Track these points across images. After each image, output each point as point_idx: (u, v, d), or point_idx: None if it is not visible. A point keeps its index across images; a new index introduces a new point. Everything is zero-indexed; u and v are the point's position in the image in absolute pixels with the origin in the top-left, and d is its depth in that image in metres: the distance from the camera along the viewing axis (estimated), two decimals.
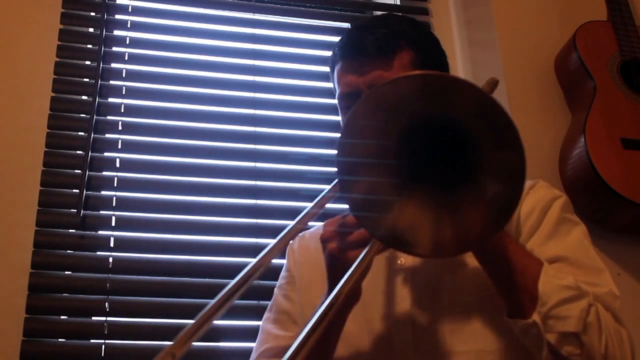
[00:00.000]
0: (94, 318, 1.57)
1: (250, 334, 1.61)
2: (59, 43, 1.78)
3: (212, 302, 0.67)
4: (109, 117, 1.77)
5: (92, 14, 1.87)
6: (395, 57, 1.06)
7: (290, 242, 1.24)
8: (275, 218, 1.75)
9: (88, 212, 1.64)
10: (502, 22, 2.00)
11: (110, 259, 1.61)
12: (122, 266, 1.61)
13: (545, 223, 1.02)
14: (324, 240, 0.92)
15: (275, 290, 1.21)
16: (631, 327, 0.96)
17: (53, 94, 1.72)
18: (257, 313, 1.62)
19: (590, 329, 0.87)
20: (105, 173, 1.71)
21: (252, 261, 0.75)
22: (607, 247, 1.76)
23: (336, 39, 2.06)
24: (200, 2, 1.98)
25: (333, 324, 0.94)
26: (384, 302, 1.04)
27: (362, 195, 0.82)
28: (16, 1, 1.79)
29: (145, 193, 1.73)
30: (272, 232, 1.69)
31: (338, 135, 0.82)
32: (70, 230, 1.62)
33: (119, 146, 1.75)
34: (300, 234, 1.23)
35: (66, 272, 1.60)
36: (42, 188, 1.62)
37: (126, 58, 1.85)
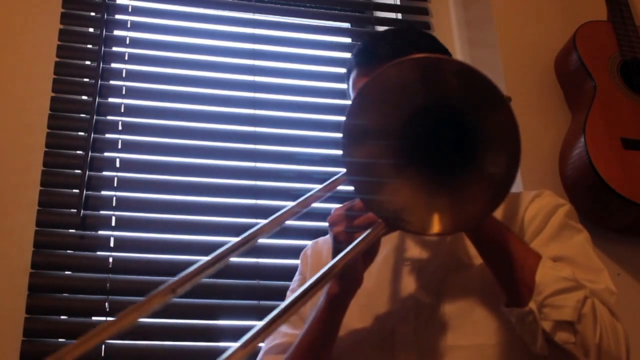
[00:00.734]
0: (94, 318, 1.57)
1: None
2: (59, 43, 1.78)
3: (210, 257, 0.71)
4: (109, 117, 1.77)
5: (92, 14, 1.87)
6: None
7: (305, 249, 1.27)
8: None
9: (88, 212, 1.64)
10: (502, 22, 2.00)
11: (110, 259, 1.61)
12: (122, 266, 1.61)
13: (548, 227, 1.04)
14: (331, 223, 0.96)
15: (288, 292, 1.23)
16: (631, 326, 0.96)
17: (53, 94, 1.72)
18: (257, 313, 1.62)
19: (585, 319, 0.88)
20: (105, 173, 1.71)
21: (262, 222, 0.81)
22: (607, 247, 1.76)
23: (336, 38, 2.10)
24: (200, 2, 1.98)
25: (335, 310, 0.98)
26: (389, 298, 1.06)
27: (363, 170, 0.85)
28: (16, 1, 1.79)
29: (145, 193, 1.73)
30: None
31: (339, 135, 0.84)
32: (70, 230, 1.62)
33: (119, 146, 1.75)
34: (314, 241, 1.26)
35: (66, 272, 1.60)
36: (42, 188, 1.62)
37: (126, 58, 1.85)
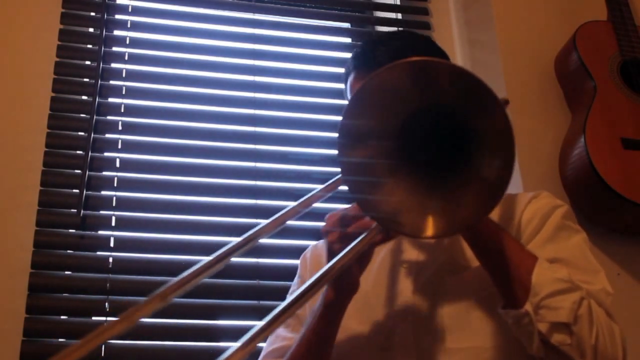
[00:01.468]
0: (94, 318, 1.57)
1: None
2: (59, 43, 1.78)
3: (211, 257, 0.70)
4: (109, 117, 1.77)
5: (92, 14, 1.87)
6: None
7: (304, 252, 1.27)
8: None
9: (88, 212, 1.64)
10: (502, 22, 2.00)
11: (110, 259, 1.61)
12: (122, 266, 1.61)
13: (546, 228, 1.04)
14: (325, 232, 0.95)
15: (287, 296, 1.23)
16: (630, 327, 0.96)
17: (53, 94, 1.72)
18: (257, 313, 1.62)
19: (581, 321, 0.88)
20: (105, 173, 1.71)
21: (262, 222, 0.82)
22: (607, 247, 1.76)
23: (336, 38, 2.10)
24: (200, 2, 1.98)
25: (333, 315, 0.98)
26: (386, 300, 1.06)
27: (358, 171, 0.85)
28: (16, 1, 1.79)
29: (145, 193, 1.73)
30: None
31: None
32: (70, 230, 1.62)
33: (119, 146, 1.75)
34: (313, 244, 1.26)
35: (66, 272, 1.60)
36: (42, 188, 1.62)
37: (126, 58, 1.85)
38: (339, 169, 0.88)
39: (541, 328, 0.88)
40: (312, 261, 1.22)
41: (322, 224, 0.97)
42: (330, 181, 0.94)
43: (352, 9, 2.19)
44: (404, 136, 0.86)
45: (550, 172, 1.83)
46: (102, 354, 1.51)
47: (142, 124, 1.79)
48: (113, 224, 1.65)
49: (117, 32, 1.89)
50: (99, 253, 1.63)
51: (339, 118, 1.19)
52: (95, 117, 1.71)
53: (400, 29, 2.10)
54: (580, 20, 1.95)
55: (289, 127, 1.89)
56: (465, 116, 0.82)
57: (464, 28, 2.14)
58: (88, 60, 1.81)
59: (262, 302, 1.64)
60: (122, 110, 1.78)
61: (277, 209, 1.94)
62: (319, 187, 0.93)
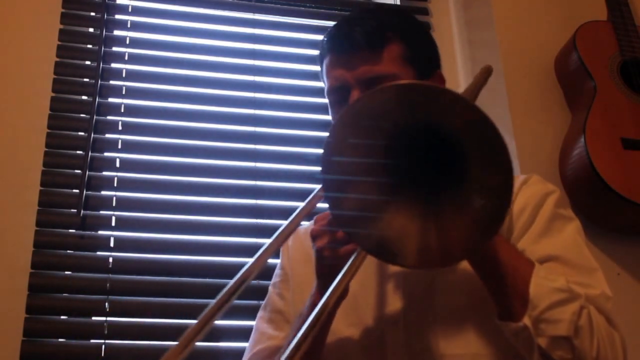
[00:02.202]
0: (94, 318, 1.57)
1: (250, 334, 1.61)
2: (59, 43, 1.78)
3: (210, 305, 0.67)
4: (109, 117, 1.77)
5: (92, 14, 1.87)
6: (384, 50, 1.05)
7: None
8: (275, 218, 1.75)
9: (88, 212, 1.64)
10: (502, 22, 2.00)
11: (110, 259, 1.61)
12: (122, 266, 1.61)
13: (538, 220, 1.01)
14: (313, 236, 0.92)
15: (270, 288, 1.20)
16: (630, 327, 0.96)
17: (53, 94, 1.72)
18: (257, 313, 1.62)
19: (582, 333, 0.86)
20: (105, 173, 1.71)
21: (249, 261, 0.75)
22: (607, 247, 1.76)
23: None
24: (200, 2, 1.98)
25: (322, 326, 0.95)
26: (377, 304, 1.03)
27: (348, 208, 0.81)
28: (16, 1, 1.79)
29: (145, 193, 1.73)
30: (272, 232, 1.65)
31: (324, 143, 0.81)
32: (70, 230, 1.62)
33: (119, 146, 1.75)
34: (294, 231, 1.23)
35: (66, 272, 1.60)
36: (42, 188, 1.62)
37: (126, 58, 1.85)
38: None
39: (541, 343, 0.85)
40: (295, 251, 1.18)
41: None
42: (311, 195, 0.90)
43: (352, 9, 2.19)
44: (393, 166, 0.82)
45: (550, 172, 1.83)
46: (102, 354, 1.51)
47: (142, 124, 1.79)
48: (113, 224, 1.65)
49: (117, 32, 1.89)
50: (99, 253, 1.63)
51: (330, 114, 1.16)
52: (95, 117, 1.71)
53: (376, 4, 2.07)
54: (580, 20, 1.95)
55: (288, 127, 1.89)
56: (460, 144, 0.77)
57: (464, 28, 2.14)
58: (88, 60, 1.81)
59: (262, 302, 1.63)
60: (122, 110, 1.79)
61: (277, 209, 1.95)
62: (319, 187, 0.92)
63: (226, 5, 2.02)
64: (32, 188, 1.61)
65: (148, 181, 1.73)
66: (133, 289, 1.60)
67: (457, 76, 2.06)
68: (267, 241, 0.81)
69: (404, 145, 0.81)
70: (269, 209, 1.78)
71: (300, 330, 0.64)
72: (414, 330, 0.98)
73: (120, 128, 1.77)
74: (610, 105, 1.82)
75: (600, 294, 0.93)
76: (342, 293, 0.88)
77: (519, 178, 1.06)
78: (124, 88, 1.81)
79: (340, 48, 1.07)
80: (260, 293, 1.63)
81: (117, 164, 1.72)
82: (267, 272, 1.67)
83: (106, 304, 1.56)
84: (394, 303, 1.01)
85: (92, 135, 1.69)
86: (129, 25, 1.90)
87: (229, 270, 1.62)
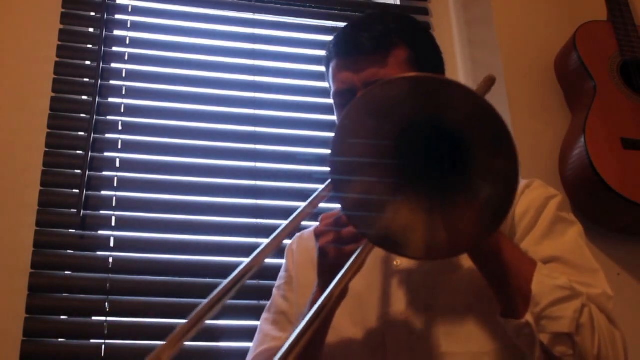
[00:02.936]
0: (94, 318, 1.57)
1: (250, 334, 1.60)
2: (59, 43, 1.78)
3: (203, 303, 0.67)
4: (109, 117, 1.77)
5: (92, 14, 1.87)
6: (390, 54, 1.06)
7: (290, 242, 1.24)
8: (275, 218, 1.75)
9: (88, 212, 1.64)
10: (502, 22, 2.00)
11: (110, 259, 1.61)
12: (122, 266, 1.61)
13: (541, 223, 1.02)
14: (318, 234, 0.93)
15: (274, 290, 1.21)
16: (631, 327, 0.96)
17: (53, 94, 1.72)
18: (257, 313, 1.61)
19: (583, 330, 0.87)
20: (105, 173, 1.71)
21: (245, 261, 0.75)
22: (607, 247, 1.76)
23: None
24: (200, 2, 1.98)
25: (321, 323, 0.95)
26: (380, 302, 1.04)
27: (355, 196, 0.82)
28: (16, 1, 1.79)
29: (145, 193, 1.73)
30: (272, 232, 1.68)
31: (333, 135, 0.82)
32: (70, 230, 1.62)
33: (119, 146, 1.75)
34: (299, 234, 1.24)
35: (66, 272, 1.60)
36: (42, 188, 1.62)
37: (126, 58, 1.85)
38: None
39: (543, 339, 0.86)
40: (300, 255, 1.19)
41: (313, 223, 0.96)
42: (314, 195, 0.90)
43: (352, 9, 2.19)
44: (400, 158, 0.83)
45: (550, 172, 1.83)
46: (102, 354, 1.51)
47: (142, 124, 1.79)
48: (113, 224, 1.65)
49: (117, 32, 1.89)
50: (99, 253, 1.63)
51: (335, 116, 1.17)
52: (95, 117, 1.71)
53: (382, 10, 2.08)
54: (580, 20, 1.95)
55: (288, 127, 1.90)
56: (467, 135, 0.78)
57: (464, 28, 2.14)
58: (88, 60, 1.81)
59: (262, 302, 1.64)
60: (122, 110, 1.79)
61: (277, 209, 1.95)
62: (319, 187, 0.92)
63: (226, 5, 2.02)
64: (32, 188, 1.61)
65: (148, 181, 1.73)
66: (133, 289, 1.60)
67: (457, 76, 2.06)
68: (267, 241, 0.81)
69: (412, 136, 0.82)
70: (268, 209, 1.78)
71: (299, 327, 0.64)
72: (417, 329, 0.99)
73: (120, 128, 1.77)
74: (610, 105, 1.82)
75: (601, 293, 0.94)
76: (342, 292, 0.88)
77: (521, 183, 1.07)
78: (124, 88, 1.81)
79: (347, 52, 1.09)
80: (261, 293, 1.63)
81: (117, 164, 1.72)
82: (269, 274, 1.68)
83: (106, 304, 1.56)
84: (398, 303, 1.02)
85: (92, 135, 1.69)
86: (129, 25, 1.90)
87: (229, 270, 1.61)
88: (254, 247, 0.79)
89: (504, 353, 0.96)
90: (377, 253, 1.06)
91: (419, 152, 0.85)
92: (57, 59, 1.76)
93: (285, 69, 1.97)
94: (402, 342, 0.99)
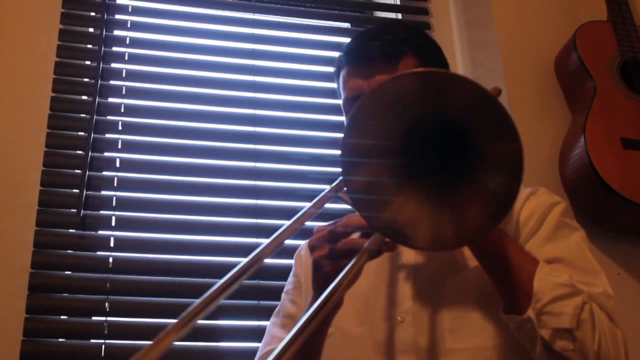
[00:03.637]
0: (94, 318, 1.57)
1: (250, 334, 1.61)
2: (59, 43, 1.78)
3: (199, 300, 0.67)
4: (109, 117, 1.77)
5: (92, 14, 1.87)
6: (399, 63, 1.09)
7: (299, 248, 1.26)
8: (275, 218, 1.75)
9: (88, 212, 1.64)
10: (502, 22, 2.00)
11: (110, 259, 1.61)
12: (122, 266, 1.61)
13: (545, 227, 1.04)
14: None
15: (283, 295, 1.22)
16: (631, 327, 0.96)
17: (53, 94, 1.72)
18: (257, 313, 1.62)
19: (584, 326, 0.88)
20: (105, 173, 1.71)
21: (244, 260, 0.75)
22: (607, 247, 1.76)
23: (336, 38, 2.09)
24: (200, 2, 1.98)
25: (317, 331, 0.95)
26: (386, 300, 1.05)
27: (364, 186, 0.83)
28: (16, 1, 1.79)
29: (145, 193, 1.73)
30: (272, 232, 1.67)
31: (339, 135, 0.83)
32: (70, 230, 1.62)
33: (119, 146, 1.75)
34: (307, 240, 1.24)
35: (66, 272, 1.60)
36: (42, 188, 1.62)
37: (126, 58, 1.85)
38: (339, 169, 0.86)
39: (544, 334, 0.88)
40: (308, 259, 1.19)
41: (322, 224, 0.97)
42: (320, 196, 0.91)
43: (352, 9, 2.19)
44: (409, 150, 0.85)
45: (550, 172, 1.83)
46: (102, 354, 1.51)
47: (142, 124, 1.79)
48: (113, 224, 1.65)
49: (117, 32, 1.89)
50: (99, 253, 1.63)
51: (340, 118, 1.18)
52: (95, 117, 1.71)
53: (391, 20, 2.10)
54: (580, 20, 1.95)
55: (288, 127, 1.89)
56: (472, 128, 0.80)
57: (464, 28, 2.14)
58: (88, 60, 1.81)
59: (262, 302, 1.64)
60: (122, 110, 1.78)
61: (277, 209, 1.95)
62: (319, 187, 0.92)
63: (226, 5, 2.02)
64: (32, 188, 1.61)
65: (148, 181, 1.73)
66: (133, 289, 1.60)
67: None
68: (267, 241, 0.81)
69: (421, 129, 0.84)
70: (268, 209, 1.78)
71: (289, 336, 0.65)
72: (422, 328, 1.00)
73: (120, 128, 1.76)
74: (610, 105, 1.82)
75: (602, 292, 0.96)
76: (335, 302, 0.88)
77: (526, 190, 1.10)
78: (124, 88, 1.81)
79: (358, 59, 1.11)
80: (261, 293, 1.64)
81: (117, 164, 1.72)
82: (269, 274, 1.68)
83: (106, 304, 1.56)
84: (404, 301, 1.03)
85: (92, 135, 1.69)
86: (129, 25, 1.90)
87: (228, 270, 1.61)
88: (254, 247, 0.79)
89: (508, 348, 0.97)
90: (384, 254, 1.07)
91: (427, 144, 0.86)
92: (57, 59, 1.76)
93: (285, 69, 1.97)
94: (408, 340, 1.00)
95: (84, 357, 1.53)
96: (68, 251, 1.61)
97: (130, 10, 1.91)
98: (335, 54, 2.05)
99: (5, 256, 1.55)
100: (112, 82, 1.81)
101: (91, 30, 1.88)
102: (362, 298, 0.97)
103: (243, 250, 1.71)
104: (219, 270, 1.66)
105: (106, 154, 1.74)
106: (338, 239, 0.90)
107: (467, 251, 1.00)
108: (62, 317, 1.56)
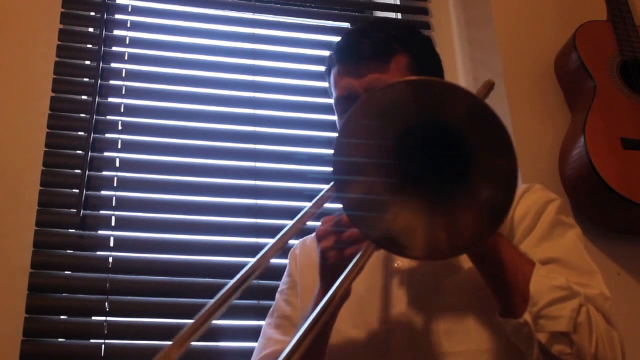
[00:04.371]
0: (94, 318, 1.57)
1: (250, 334, 1.61)
2: (59, 43, 1.78)
3: (210, 303, 0.67)
4: (109, 117, 1.77)
5: (92, 14, 1.87)
6: (391, 61, 1.07)
7: (293, 247, 1.25)
8: (275, 218, 1.75)
9: (88, 212, 1.64)
10: (502, 22, 2.00)
11: (110, 259, 1.61)
12: (122, 266, 1.61)
13: (540, 225, 1.03)
14: (319, 237, 0.93)
15: (277, 295, 1.21)
16: (630, 327, 0.96)
17: (53, 94, 1.72)
18: (257, 313, 1.62)
19: (581, 329, 0.88)
20: (105, 173, 1.71)
21: (251, 261, 0.75)
22: (607, 247, 1.76)
23: (336, 39, 2.06)
24: (200, 2, 1.98)
25: (324, 325, 0.95)
26: (381, 303, 1.04)
27: (358, 198, 0.82)
28: (16, 1, 1.79)
29: (145, 193, 1.73)
30: (272, 232, 1.69)
31: (336, 136, 0.82)
32: (70, 230, 1.62)
33: (119, 146, 1.75)
34: (302, 240, 1.24)
35: (66, 272, 1.60)
36: (42, 188, 1.62)
37: (126, 58, 1.85)
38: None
39: (541, 338, 0.87)
40: (302, 259, 1.19)
41: (318, 224, 0.96)
42: (319, 196, 0.91)
43: (352, 9, 2.19)
44: (402, 159, 0.84)
45: (550, 172, 1.83)
46: (102, 354, 1.51)
47: (142, 124, 1.79)
48: (113, 224, 1.65)
49: (117, 32, 1.89)
50: (99, 253, 1.63)
51: (337, 121, 1.17)
52: (95, 117, 1.71)
53: (384, 17, 2.09)
54: (580, 20, 1.95)
55: (288, 127, 1.90)
56: (467, 137, 0.79)
57: (464, 28, 2.13)
58: (88, 60, 1.81)
59: (262, 302, 1.64)
60: (122, 110, 1.79)
61: (277, 209, 1.95)
62: (319, 187, 0.92)
63: (226, 5, 2.02)
64: (32, 188, 1.61)
65: (148, 181, 1.73)
66: (133, 289, 1.60)
67: (457, 76, 2.06)
68: (267, 241, 0.81)
69: (414, 138, 0.83)
70: (268, 209, 1.78)
71: (302, 328, 0.64)
72: (417, 330, 1.00)
73: (120, 128, 1.77)
74: (610, 105, 1.82)
75: (599, 294, 0.95)
76: (345, 293, 0.88)
77: (521, 187, 1.08)
78: (124, 88, 1.81)
79: (349, 58, 1.10)
80: (261, 293, 1.64)
81: (117, 164, 1.72)
82: (268, 274, 1.68)
83: (106, 304, 1.56)
84: (400, 304, 1.02)
85: (92, 135, 1.69)
86: (129, 25, 1.90)
87: (228, 270, 1.62)
88: (254, 247, 0.80)
89: (504, 351, 0.96)
90: (378, 255, 1.07)
91: (421, 153, 0.85)
92: (57, 59, 1.76)
93: (285, 69, 1.97)
94: (403, 343, 0.99)
95: (84, 357, 1.53)
96: (68, 251, 1.61)
97: (130, 10, 1.92)
98: None
99: (5, 256, 1.55)
100: (112, 82, 1.81)
101: (91, 30, 1.88)
102: (357, 299, 0.95)
103: (243, 250, 1.71)
104: (219, 270, 1.67)
105: (106, 154, 1.74)
106: (345, 229, 0.90)
107: None
108: (62, 317, 1.56)
